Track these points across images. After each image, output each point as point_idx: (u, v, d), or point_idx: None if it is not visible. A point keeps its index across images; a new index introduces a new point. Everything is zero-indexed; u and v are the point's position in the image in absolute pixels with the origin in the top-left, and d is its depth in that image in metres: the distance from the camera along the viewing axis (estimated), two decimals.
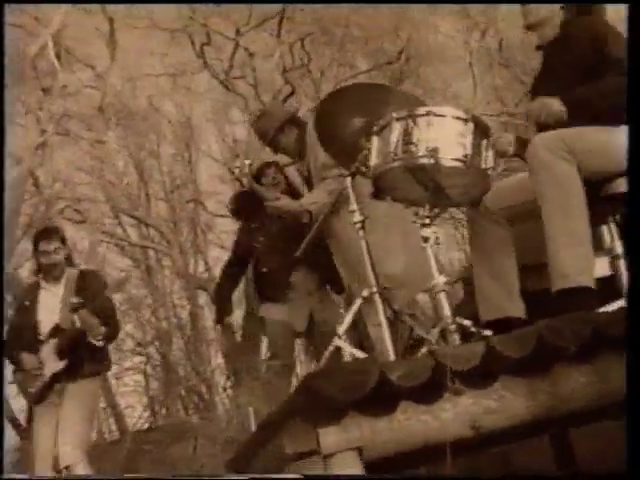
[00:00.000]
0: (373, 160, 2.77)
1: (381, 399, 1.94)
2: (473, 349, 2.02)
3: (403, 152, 2.60)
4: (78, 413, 4.70)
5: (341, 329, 3.13)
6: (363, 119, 3.30)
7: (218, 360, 18.36)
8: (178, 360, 16.76)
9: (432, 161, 2.53)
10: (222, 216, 19.73)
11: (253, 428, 10.70)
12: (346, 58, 16.48)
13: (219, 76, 17.17)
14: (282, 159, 4.99)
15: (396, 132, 2.64)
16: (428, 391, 1.99)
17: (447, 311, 2.60)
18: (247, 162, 4.53)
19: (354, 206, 3.22)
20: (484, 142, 2.62)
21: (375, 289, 3.09)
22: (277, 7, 14.91)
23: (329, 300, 4.85)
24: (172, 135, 21.11)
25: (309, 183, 4.46)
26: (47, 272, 4.92)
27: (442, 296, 2.63)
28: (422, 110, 2.64)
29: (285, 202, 4.33)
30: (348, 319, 3.13)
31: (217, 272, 19.26)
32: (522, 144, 2.78)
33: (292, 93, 15.42)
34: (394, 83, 16.34)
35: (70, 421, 4.64)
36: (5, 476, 4.52)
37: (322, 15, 14.45)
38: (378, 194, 2.87)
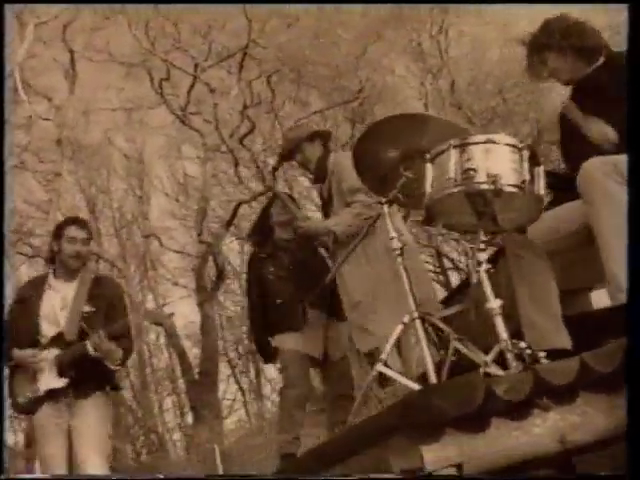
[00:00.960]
0: (427, 187, 2.82)
1: (476, 416, 1.98)
2: (568, 364, 2.08)
3: (463, 178, 2.66)
4: (97, 430, 4.30)
5: (383, 355, 3.14)
6: (397, 150, 3.36)
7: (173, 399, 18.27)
8: (128, 400, 16.56)
9: (492, 187, 2.60)
10: (175, 251, 19.72)
11: (219, 465, 10.58)
12: (305, 96, 16.68)
13: (176, 111, 17.15)
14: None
15: (453, 159, 2.70)
16: (519, 407, 2.04)
17: (504, 334, 2.66)
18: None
19: (393, 233, 3.25)
20: (537, 170, 2.72)
21: (416, 314, 3.12)
22: (239, 44, 15.03)
23: (338, 330, 4.86)
24: (124, 170, 21.08)
25: (327, 206, 4.49)
26: (63, 265, 4.39)
27: (498, 319, 2.68)
28: (480, 138, 2.72)
29: (312, 222, 4.40)
30: (389, 345, 3.14)
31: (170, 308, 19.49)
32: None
33: (252, 130, 15.51)
34: (352, 122, 16.65)
35: (91, 441, 4.25)
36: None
37: (285, 53, 14.59)
38: (430, 221, 2.92)
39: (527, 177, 2.67)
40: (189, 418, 17.15)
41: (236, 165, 15.56)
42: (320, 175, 4.50)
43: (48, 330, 4.32)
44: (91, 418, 4.32)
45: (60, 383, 4.25)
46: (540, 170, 2.74)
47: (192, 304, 17.63)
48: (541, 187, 2.72)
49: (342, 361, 4.82)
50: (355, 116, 16.78)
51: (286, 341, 4.68)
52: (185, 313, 17.71)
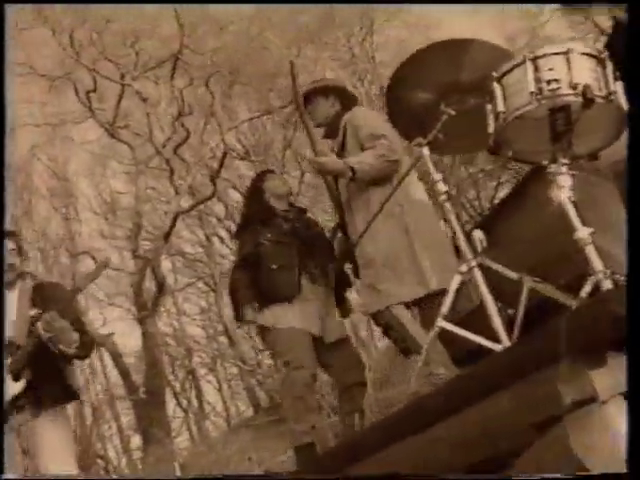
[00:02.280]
0: (499, 107, 2.58)
1: None
2: None
3: (548, 90, 2.42)
4: (60, 446, 3.94)
5: (444, 309, 2.88)
6: (432, 90, 3.14)
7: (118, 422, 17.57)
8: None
9: (581, 98, 2.38)
10: (112, 269, 18.99)
11: None
12: (242, 100, 16.40)
13: (104, 125, 16.60)
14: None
15: (531, 72, 2.47)
16: None
17: (599, 265, 2.42)
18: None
19: (437, 175, 3.02)
20: (617, 84, 2.50)
21: (474, 262, 2.87)
22: (170, 51, 14.65)
23: (333, 311, 4.53)
24: (49, 189, 20.33)
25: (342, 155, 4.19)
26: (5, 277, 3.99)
27: (590, 249, 2.45)
28: (560, 47, 2.49)
29: (329, 158, 4.00)
30: (449, 298, 2.89)
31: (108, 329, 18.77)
32: None
33: (187, 138, 15.10)
34: (287, 126, 16.42)
35: (56, 457, 3.86)
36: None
37: (218, 58, 14.28)
38: (497, 149, 2.68)
39: (613, 88, 2.44)
40: (137, 440, 16.51)
41: (171, 175, 15.08)
42: (332, 130, 4.18)
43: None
44: (53, 434, 3.94)
45: (16, 388, 3.83)
46: (620, 84, 2.52)
47: (131, 323, 17.04)
48: (624, 101, 2.50)
49: (342, 344, 4.46)
50: (288, 122, 16.59)
51: (284, 316, 4.27)
52: (125, 332, 17.06)
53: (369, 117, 4.17)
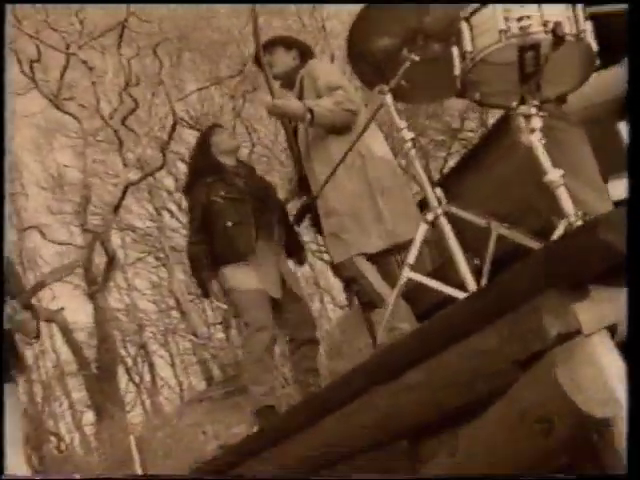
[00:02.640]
0: (467, 47, 2.50)
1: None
2: None
3: (518, 28, 2.35)
4: (11, 426, 3.68)
5: (410, 258, 2.80)
6: (395, 36, 3.04)
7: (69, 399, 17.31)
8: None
9: (550, 36, 2.31)
10: (59, 243, 18.66)
11: (136, 457, 10.03)
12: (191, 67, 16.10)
13: (49, 96, 16.16)
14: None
15: (501, 11, 2.39)
16: None
17: (570, 207, 2.37)
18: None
19: (402, 123, 2.94)
20: (586, 23, 2.44)
21: (440, 210, 2.80)
22: (116, 20, 14.28)
23: (286, 267, 4.46)
24: None
25: None
26: None
27: (562, 191, 2.40)
28: None
29: (287, 101, 3.88)
30: (415, 247, 2.81)
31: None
32: None
33: (135, 109, 14.79)
34: (236, 97, 16.20)
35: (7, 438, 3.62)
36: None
37: (166, 25, 13.95)
38: (464, 91, 2.60)
39: (584, 27, 2.38)
40: (89, 416, 16.30)
41: (120, 147, 14.76)
42: (289, 82, 4.07)
43: None
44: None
45: None
46: (589, 24, 2.46)
47: (81, 298, 16.73)
48: (593, 42, 2.44)
49: (298, 301, 4.39)
50: (237, 92, 16.37)
51: (241, 280, 4.18)
52: (75, 307, 16.75)
53: (326, 69, 4.10)
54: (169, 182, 20.74)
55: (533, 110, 2.45)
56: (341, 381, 2.56)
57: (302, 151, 4.00)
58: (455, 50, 2.62)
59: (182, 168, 19.70)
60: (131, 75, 15.05)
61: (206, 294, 4.26)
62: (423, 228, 2.83)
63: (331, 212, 3.71)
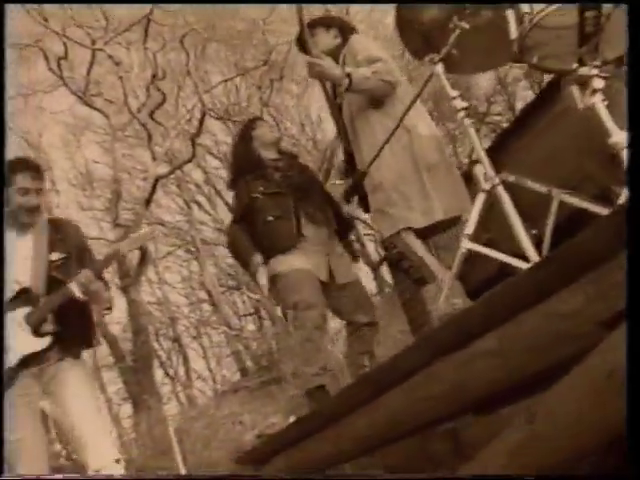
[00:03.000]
0: (525, 8, 2.44)
1: None
2: None
3: None
4: (90, 403, 3.67)
5: (469, 229, 2.76)
6: (442, 7, 3.00)
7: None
8: None
9: None
10: (91, 239, 18.73)
11: (176, 448, 10.06)
12: (210, 64, 16.11)
13: (77, 93, 16.23)
14: None
15: None
16: None
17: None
18: None
19: (454, 92, 2.89)
20: None
21: (497, 180, 2.75)
22: (140, 14, 14.29)
23: (339, 251, 4.42)
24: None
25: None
26: (16, 218, 3.71)
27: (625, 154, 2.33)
28: None
29: (327, 63, 3.86)
30: (474, 218, 2.77)
31: None
32: None
33: (163, 102, 14.82)
34: (263, 87, 16.18)
35: (87, 416, 3.58)
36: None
37: (192, 17, 13.97)
38: (522, 56, 2.55)
39: None
40: (126, 408, 16.42)
41: (149, 141, 14.80)
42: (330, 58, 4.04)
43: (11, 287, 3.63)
44: (79, 389, 3.68)
45: (39, 344, 3.57)
46: None
47: (115, 292, 16.81)
48: None
49: (352, 285, 4.35)
50: (262, 82, 16.35)
51: (288, 262, 4.14)
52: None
53: (366, 43, 4.06)
54: (197, 175, 20.81)
55: (594, 71, 2.39)
56: (404, 353, 2.51)
57: (347, 127, 3.97)
58: (510, 13, 2.56)
59: (210, 161, 19.77)
60: (157, 68, 15.05)
61: (253, 275, 4.24)
62: (481, 197, 2.78)
63: (377, 188, 3.68)
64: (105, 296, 3.71)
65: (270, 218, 4.18)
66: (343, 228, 4.52)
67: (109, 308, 3.87)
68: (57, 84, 16.57)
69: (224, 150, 19.24)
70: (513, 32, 2.54)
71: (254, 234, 4.26)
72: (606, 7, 2.33)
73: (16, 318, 3.59)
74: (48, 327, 3.61)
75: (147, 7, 13.95)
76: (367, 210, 3.90)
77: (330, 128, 17.44)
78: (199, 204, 21.26)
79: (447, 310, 3.34)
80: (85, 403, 3.67)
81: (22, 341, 3.57)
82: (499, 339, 1.99)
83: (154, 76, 14.68)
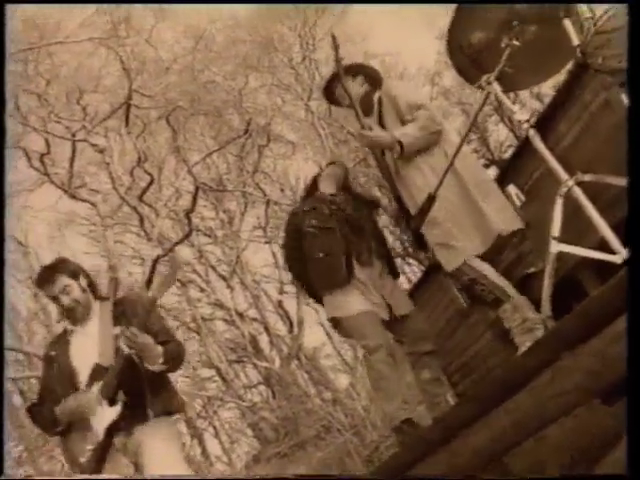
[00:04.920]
0: (586, 14, 2.60)
1: None
2: None
3: None
4: (171, 455, 3.71)
5: (555, 230, 2.86)
6: (490, 27, 3.15)
7: None
8: None
9: None
10: None
11: None
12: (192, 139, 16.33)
13: (62, 187, 16.33)
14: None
15: None
16: None
17: None
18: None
19: (515, 107, 3.03)
20: None
21: (571, 182, 2.87)
22: (118, 100, 14.52)
23: (394, 284, 4.46)
24: (13, 262, 19.88)
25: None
26: (70, 315, 3.89)
27: None
28: None
29: (376, 132, 3.95)
30: (557, 220, 2.87)
31: None
32: None
33: (151, 182, 14.95)
34: (244, 156, 16.39)
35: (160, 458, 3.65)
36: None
37: (169, 97, 14.22)
38: (585, 59, 2.69)
39: None
40: None
41: (141, 223, 14.89)
42: (365, 108, 4.13)
43: (86, 374, 3.75)
44: (158, 441, 3.71)
45: (114, 412, 3.64)
46: None
47: None
48: None
49: (410, 316, 4.39)
50: (243, 152, 16.59)
51: (349, 304, 4.18)
52: None
53: (405, 87, 4.18)
54: (187, 253, 20.83)
55: None
56: (526, 353, 2.57)
57: (392, 172, 4.06)
58: (567, 22, 2.70)
59: (202, 239, 19.82)
60: (140, 151, 15.23)
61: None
62: (559, 202, 2.88)
63: (433, 223, 3.75)
64: (154, 351, 3.64)
65: (320, 255, 4.23)
66: (393, 263, 4.57)
67: (173, 369, 3.86)
68: (40, 181, 16.68)
69: (210, 226, 19.37)
70: (574, 39, 2.68)
71: (306, 268, 4.32)
72: None
73: (93, 394, 3.66)
74: (121, 396, 3.65)
75: (123, 92, 14.18)
76: (420, 248, 4.00)
77: None
78: (194, 282, 21.22)
79: (525, 327, 3.43)
80: (170, 463, 3.69)
81: (101, 415, 3.64)
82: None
83: (139, 159, 14.83)
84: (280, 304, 18.52)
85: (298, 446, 15.30)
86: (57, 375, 3.80)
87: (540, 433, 2.73)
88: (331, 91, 4.28)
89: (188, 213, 14.41)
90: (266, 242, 19.31)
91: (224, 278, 19.21)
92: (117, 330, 3.77)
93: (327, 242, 4.24)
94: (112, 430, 3.64)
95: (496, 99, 3.14)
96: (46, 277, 3.89)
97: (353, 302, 4.16)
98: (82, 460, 3.62)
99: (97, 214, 16.69)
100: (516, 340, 3.40)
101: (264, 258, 20.11)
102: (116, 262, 15.81)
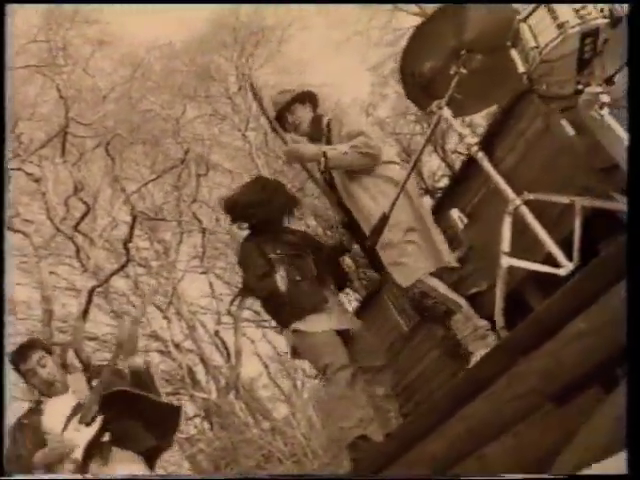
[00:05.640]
0: (531, 43, 2.77)
1: None
2: None
3: (579, 18, 2.63)
4: None
5: (505, 246, 3.02)
6: (438, 58, 3.33)
7: None
8: None
9: (609, 19, 2.61)
10: None
11: None
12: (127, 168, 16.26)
13: None
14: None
15: (562, 6, 2.68)
16: None
17: None
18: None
19: (465, 130, 3.21)
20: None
21: (519, 201, 3.05)
22: (53, 128, 14.39)
23: (338, 302, 4.59)
24: None
25: None
26: (47, 390, 4.10)
27: None
28: None
29: (301, 145, 4.11)
30: (506, 236, 3.03)
31: None
32: None
33: (87, 212, 14.80)
34: (179, 185, 16.37)
35: None
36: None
37: (107, 125, 14.16)
38: (532, 86, 2.87)
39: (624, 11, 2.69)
40: None
41: (77, 254, 14.71)
42: (315, 134, 4.28)
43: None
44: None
45: (92, 431, 3.87)
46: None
47: None
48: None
49: (359, 334, 4.48)
50: (179, 181, 16.58)
51: (317, 322, 4.27)
52: None
53: (353, 118, 4.30)
54: (121, 284, 20.56)
55: (599, 89, 2.73)
56: (482, 361, 2.70)
57: (343, 196, 4.19)
58: (514, 51, 2.89)
59: (137, 270, 19.60)
60: (77, 180, 15.08)
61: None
62: (508, 220, 3.05)
63: (386, 245, 3.88)
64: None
65: (298, 278, 4.29)
66: (342, 281, 4.71)
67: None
68: None
69: (145, 256, 19.19)
70: (520, 66, 2.86)
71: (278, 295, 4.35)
72: (603, 33, 2.68)
73: (72, 426, 3.88)
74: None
75: (61, 119, 14.05)
76: (376, 269, 4.15)
77: None
78: (128, 314, 20.92)
79: (477, 335, 3.59)
80: None
81: (79, 439, 3.84)
82: (589, 320, 2.23)
83: (75, 188, 14.68)
84: (217, 334, 18.39)
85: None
86: (29, 439, 3.96)
87: (481, 451, 2.87)
88: (283, 118, 4.40)
89: (126, 243, 14.30)
90: (202, 272, 19.20)
91: (160, 309, 19.04)
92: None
93: (300, 266, 4.34)
94: (89, 450, 3.80)
95: (433, 129, 3.33)
96: (22, 353, 4.10)
97: (321, 320, 4.26)
98: None
99: (30, 244, 16.39)
100: (470, 348, 3.54)
101: (200, 288, 19.97)
102: (50, 294, 15.53)
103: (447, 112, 3.23)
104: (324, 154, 3.95)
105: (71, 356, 15.08)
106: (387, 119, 18.42)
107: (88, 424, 3.83)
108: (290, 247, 4.41)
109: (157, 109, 14.98)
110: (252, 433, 15.77)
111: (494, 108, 3.87)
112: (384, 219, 3.55)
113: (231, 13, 16.00)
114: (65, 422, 3.89)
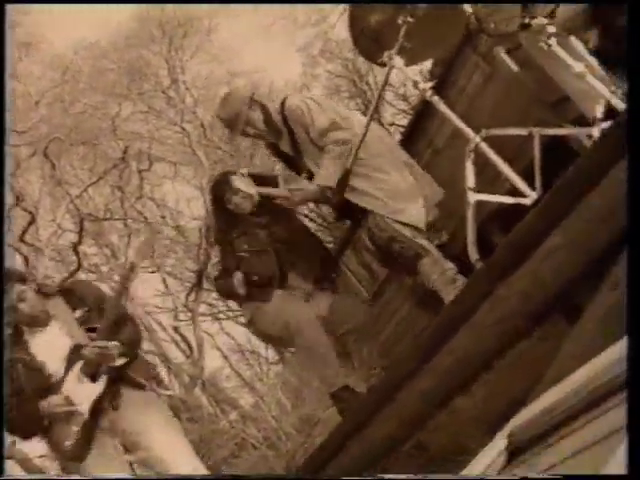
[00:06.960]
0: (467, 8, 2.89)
1: None
2: None
3: None
4: (162, 421, 3.92)
5: (470, 182, 3.13)
6: (385, 10, 3.40)
7: None
8: None
9: None
10: None
11: None
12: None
13: None
14: None
15: None
16: None
17: (603, 87, 2.76)
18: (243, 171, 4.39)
19: (418, 77, 3.29)
20: None
21: (478, 139, 3.15)
22: None
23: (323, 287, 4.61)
24: None
25: (296, 159, 4.24)
26: (33, 323, 3.82)
27: (590, 78, 2.78)
28: None
29: (304, 192, 4.14)
30: (470, 173, 3.14)
31: None
32: None
33: (32, 221, 14.55)
34: (119, 188, 16.19)
35: (162, 435, 3.83)
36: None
37: (43, 131, 13.93)
38: (481, 25, 2.98)
39: None
40: None
41: (27, 264, 14.46)
42: (274, 133, 4.23)
43: (55, 365, 3.78)
44: (150, 411, 3.95)
45: (97, 389, 3.70)
46: None
47: None
48: None
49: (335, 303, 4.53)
50: (121, 181, 16.37)
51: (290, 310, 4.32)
52: None
53: (312, 108, 4.12)
54: None
55: (545, 20, 2.84)
56: (463, 292, 2.80)
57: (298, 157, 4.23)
58: None
59: (89, 276, 19.34)
60: (16, 190, 14.80)
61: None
62: (470, 158, 3.15)
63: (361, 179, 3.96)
64: (113, 352, 3.72)
65: (255, 278, 4.31)
66: (329, 267, 4.72)
67: (129, 357, 3.92)
68: None
69: (95, 262, 18.95)
70: (468, 7, 2.96)
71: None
72: None
73: (75, 374, 3.70)
74: (103, 370, 3.73)
75: None
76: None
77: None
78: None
79: (444, 279, 3.69)
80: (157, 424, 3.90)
81: (83, 394, 3.69)
82: (563, 234, 2.34)
83: (17, 198, 14.40)
84: (177, 330, 18.28)
85: (213, 468, 15.18)
86: (24, 374, 3.73)
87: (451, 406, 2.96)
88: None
89: (76, 246, 14.11)
90: (152, 272, 18.98)
91: None
92: (77, 314, 3.84)
93: (262, 264, 4.33)
94: (97, 408, 3.70)
95: (386, 79, 3.41)
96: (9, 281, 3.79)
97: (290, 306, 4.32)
98: (67, 444, 3.63)
99: None
100: (441, 293, 3.64)
101: (153, 287, 19.77)
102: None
103: (398, 61, 3.31)
104: (329, 189, 3.95)
105: None
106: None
107: (92, 378, 3.69)
108: (257, 243, 4.38)
109: (91, 110, 14.76)
110: (222, 424, 15.74)
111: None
112: (347, 173, 3.64)
113: (157, 7, 15.83)
114: (66, 366, 3.71)
